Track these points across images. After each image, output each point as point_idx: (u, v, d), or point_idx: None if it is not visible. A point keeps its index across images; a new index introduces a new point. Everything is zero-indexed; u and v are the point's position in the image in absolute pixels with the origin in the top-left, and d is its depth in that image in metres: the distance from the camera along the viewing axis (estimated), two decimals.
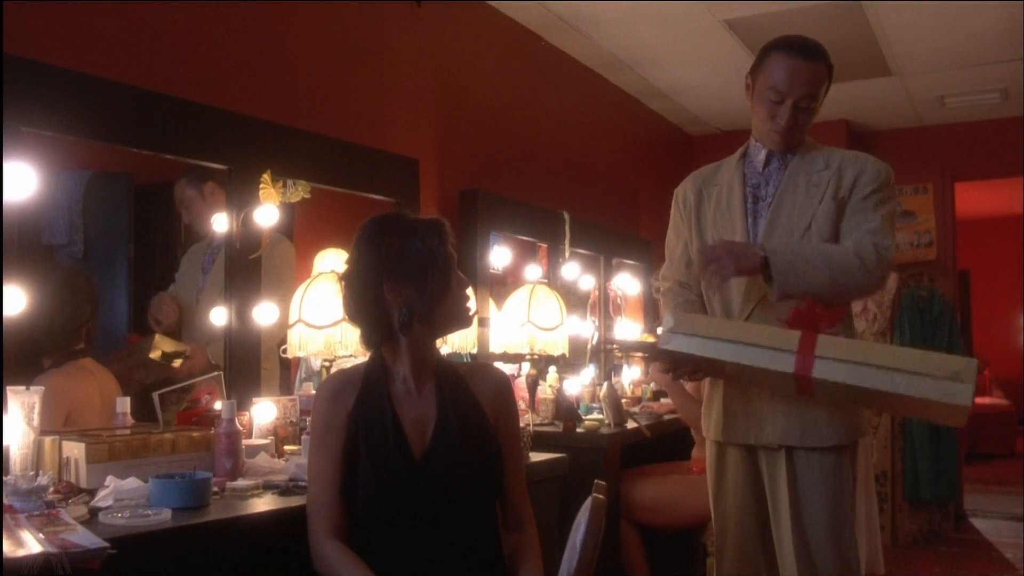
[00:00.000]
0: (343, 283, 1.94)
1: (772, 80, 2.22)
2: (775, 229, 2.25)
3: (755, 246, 2.12)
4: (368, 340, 1.92)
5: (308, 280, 2.66)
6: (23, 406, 1.89)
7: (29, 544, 1.39)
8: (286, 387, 2.91)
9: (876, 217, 2.21)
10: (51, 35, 2.30)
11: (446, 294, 1.88)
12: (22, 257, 2.02)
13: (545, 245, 4.24)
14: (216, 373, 2.45)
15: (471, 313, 1.96)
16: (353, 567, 1.74)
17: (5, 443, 1.87)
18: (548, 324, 3.54)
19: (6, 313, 1.95)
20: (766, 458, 2.25)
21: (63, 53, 2.24)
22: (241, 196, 2.57)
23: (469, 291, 1.98)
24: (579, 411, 3.65)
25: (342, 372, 1.99)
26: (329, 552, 1.77)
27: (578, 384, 3.90)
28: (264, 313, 2.61)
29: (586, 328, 4.53)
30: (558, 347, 3.58)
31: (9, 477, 1.73)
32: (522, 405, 3.41)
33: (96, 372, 2.45)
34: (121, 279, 2.66)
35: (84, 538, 1.45)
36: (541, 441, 2.95)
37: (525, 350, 3.56)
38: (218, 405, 2.33)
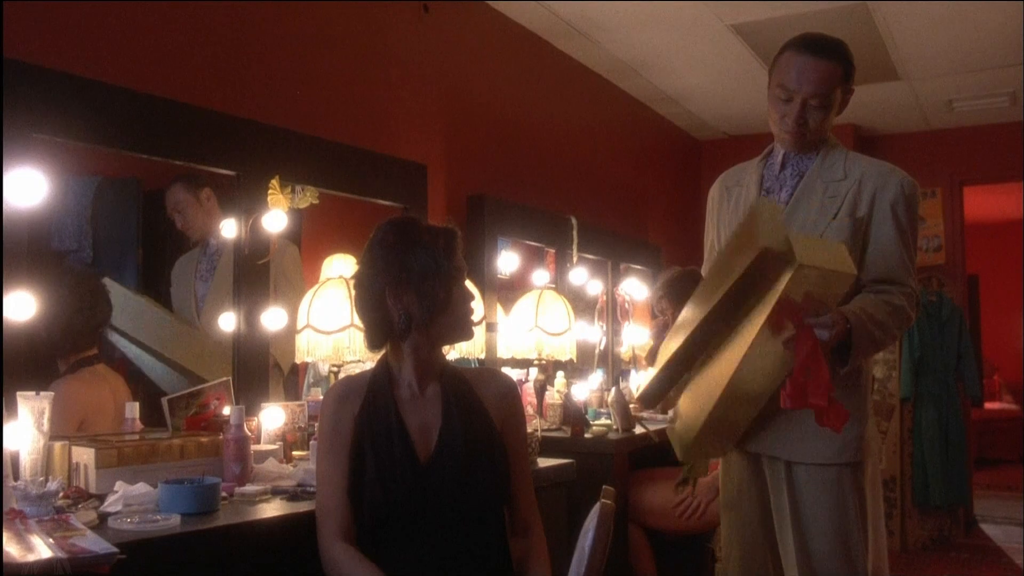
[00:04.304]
0: (353, 283, 1.97)
1: (781, 78, 2.17)
2: None
3: (841, 319, 1.97)
4: (371, 342, 1.94)
5: (316, 285, 2.67)
6: (33, 411, 1.90)
7: (39, 549, 1.39)
8: (294, 392, 2.92)
9: (902, 251, 2.15)
10: (60, 41, 2.31)
11: (446, 306, 1.88)
12: (32, 262, 2.03)
13: (553, 250, 4.24)
14: (225, 379, 2.45)
15: (474, 326, 1.96)
16: (363, 567, 1.74)
17: (15, 448, 1.88)
18: (556, 329, 3.54)
19: (15, 318, 1.96)
20: (769, 467, 2.21)
21: (72, 59, 2.25)
22: (250, 202, 2.58)
23: (476, 301, 1.98)
24: (587, 416, 3.65)
25: (348, 378, 2.00)
26: (338, 554, 1.77)
27: (586, 389, 3.89)
28: (272, 318, 2.62)
29: (594, 333, 4.53)
30: (566, 352, 3.58)
31: (19, 482, 1.74)
32: (530, 410, 3.41)
33: (110, 378, 2.46)
34: (129, 284, 2.67)
35: (93, 543, 1.45)
36: (549, 446, 2.94)
37: (533, 355, 3.56)
38: (226, 410, 2.34)
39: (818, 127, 2.19)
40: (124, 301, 2.57)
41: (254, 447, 2.27)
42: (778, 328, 1.91)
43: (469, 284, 2.03)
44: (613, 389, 3.70)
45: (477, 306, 1.99)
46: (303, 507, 1.95)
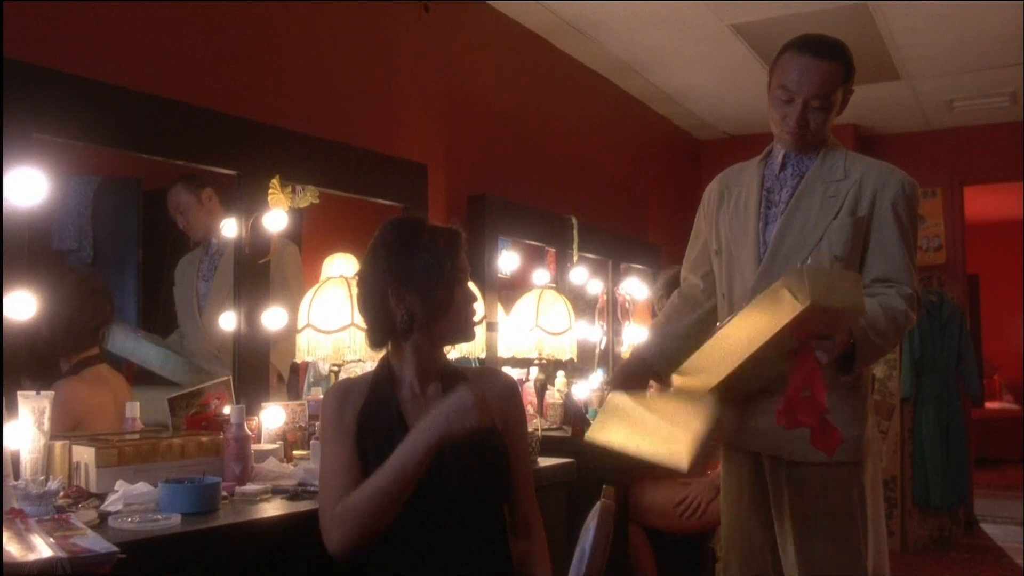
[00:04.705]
0: (356, 281, 1.97)
1: (782, 79, 2.17)
2: (785, 239, 2.19)
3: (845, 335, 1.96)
4: (372, 341, 1.94)
5: (316, 285, 2.67)
6: (33, 411, 1.90)
7: (39, 548, 1.39)
8: (294, 392, 2.92)
9: (903, 251, 2.14)
10: (61, 41, 2.31)
11: (449, 307, 1.87)
12: (32, 262, 2.03)
13: (553, 250, 4.24)
14: (225, 378, 2.46)
15: (475, 326, 1.96)
16: (364, 484, 1.73)
17: (15, 448, 1.88)
18: (556, 329, 3.53)
19: (15, 318, 1.96)
20: (769, 466, 2.21)
21: (73, 59, 2.25)
22: (250, 201, 2.58)
23: (478, 302, 1.98)
24: (587, 416, 3.64)
25: (347, 380, 2.00)
26: (339, 507, 1.74)
27: (586, 388, 3.89)
28: (273, 318, 2.62)
29: (594, 333, 4.53)
30: (566, 352, 3.58)
31: (20, 481, 1.74)
32: (530, 410, 3.41)
33: (111, 379, 2.45)
34: (130, 284, 2.67)
35: (94, 543, 1.45)
36: (549, 446, 2.94)
37: (533, 355, 3.55)
38: (227, 410, 2.34)
39: (819, 128, 2.19)
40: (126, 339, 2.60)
41: (254, 446, 2.27)
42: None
43: (471, 285, 2.03)
44: None
45: (478, 306, 1.98)
46: (304, 507, 1.95)
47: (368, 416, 1.86)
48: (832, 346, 1.90)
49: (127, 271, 2.68)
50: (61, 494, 1.78)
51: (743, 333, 1.97)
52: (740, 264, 2.28)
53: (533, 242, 4.11)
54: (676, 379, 2.19)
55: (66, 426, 2.25)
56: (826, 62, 2.14)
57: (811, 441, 1.92)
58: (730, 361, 2.04)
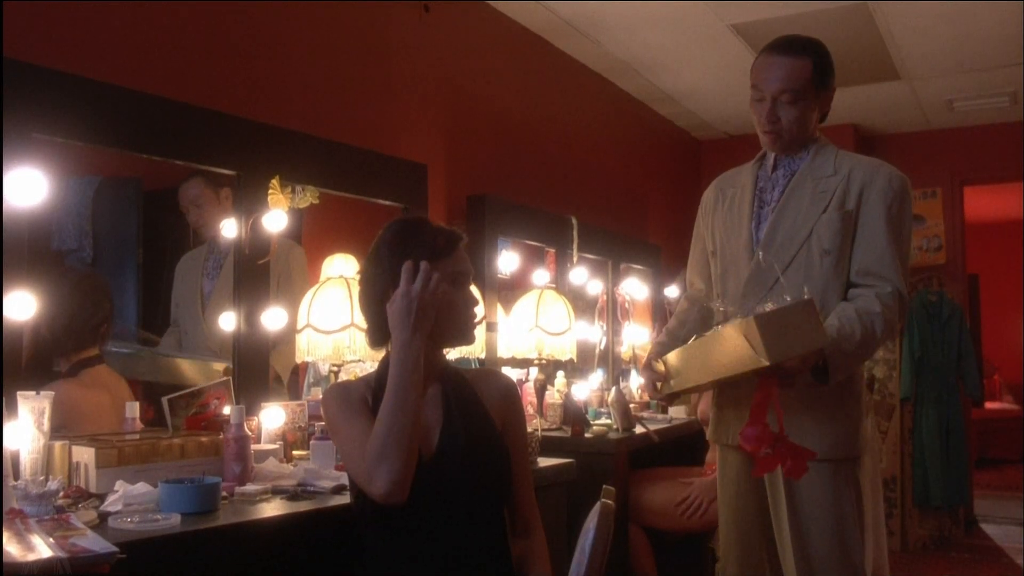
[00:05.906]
0: (358, 280, 1.97)
1: (754, 79, 2.22)
2: (776, 235, 2.21)
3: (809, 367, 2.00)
4: (372, 340, 1.94)
5: (316, 285, 2.67)
6: (33, 411, 1.90)
7: (39, 549, 1.39)
8: (294, 392, 2.92)
9: (888, 243, 2.14)
10: (61, 41, 2.31)
11: (450, 310, 1.87)
12: (32, 262, 2.03)
13: (553, 250, 4.23)
14: (225, 378, 2.46)
15: (475, 328, 1.96)
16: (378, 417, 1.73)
17: (15, 448, 1.88)
18: (556, 329, 3.54)
19: (15, 318, 1.96)
20: None
21: (73, 59, 2.25)
22: (250, 201, 2.58)
23: (479, 306, 1.97)
24: (587, 416, 3.65)
25: (345, 382, 2.00)
26: (368, 451, 1.71)
27: (586, 389, 3.89)
28: (273, 318, 2.61)
29: (594, 333, 4.53)
30: (566, 352, 3.58)
31: (20, 482, 1.74)
32: (530, 410, 3.41)
33: (110, 382, 2.45)
34: (130, 284, 2.67)
35: (94, 543, 1.45)
36: (549, 446, 2.94)
37: (533, 355, 3.56)
38: (227, 410, 2.34)
39: (792, 125, 2.20)
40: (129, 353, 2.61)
41: (254, 447, 2.27)
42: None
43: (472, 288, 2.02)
44: (613, 389, 3.70)
45: (479, 309, 1.98)
46: (303, 507, 1.95)
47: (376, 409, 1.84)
48: (793, 381, 1.97)
49: (127, 271, 2.68)
50: (61, 494, 1.78)
51: (713, 356, 2.03)
52: (734, 262, 2.31)
53: (533, 242, 4.11)
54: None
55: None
56: (790, 58, 2.17)
57: (785, 473, 1.98)
58: (702, 376, 2.12)
